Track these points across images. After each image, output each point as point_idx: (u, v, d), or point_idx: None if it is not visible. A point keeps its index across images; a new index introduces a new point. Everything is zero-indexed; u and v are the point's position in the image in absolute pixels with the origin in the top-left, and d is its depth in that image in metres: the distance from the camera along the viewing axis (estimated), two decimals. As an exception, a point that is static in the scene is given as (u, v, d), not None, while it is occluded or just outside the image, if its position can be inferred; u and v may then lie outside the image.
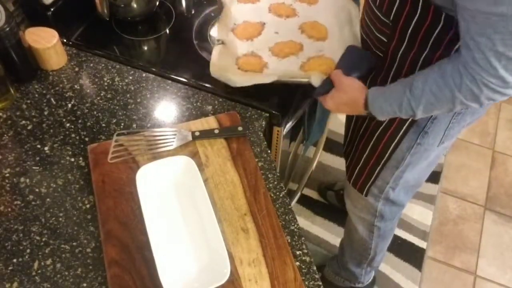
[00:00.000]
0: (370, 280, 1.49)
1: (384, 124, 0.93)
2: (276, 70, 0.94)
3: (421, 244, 1.69)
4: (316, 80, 0.88)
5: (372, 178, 1.05)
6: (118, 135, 0.84)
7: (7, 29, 0.84)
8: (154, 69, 1.02)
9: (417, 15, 0.74)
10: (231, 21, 1.04)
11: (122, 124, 0.90)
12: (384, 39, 0.82)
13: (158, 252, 0.68)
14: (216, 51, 0.97)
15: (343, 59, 0.88)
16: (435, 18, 0.72)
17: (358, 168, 1.07)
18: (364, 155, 1.03)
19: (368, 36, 0.87)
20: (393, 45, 0.81)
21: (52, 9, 1.02)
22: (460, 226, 1.77)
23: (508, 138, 2.04)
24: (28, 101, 0.93)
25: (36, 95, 0.94)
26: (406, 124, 0.89)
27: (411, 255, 1.65)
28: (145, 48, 1.11)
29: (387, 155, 0.97)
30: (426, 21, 0.73)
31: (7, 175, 0.82)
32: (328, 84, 0.85)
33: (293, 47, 0.98)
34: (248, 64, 0.95)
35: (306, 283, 0.72)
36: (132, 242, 0.72)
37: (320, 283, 0.72)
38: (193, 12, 1.20)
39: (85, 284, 0.70)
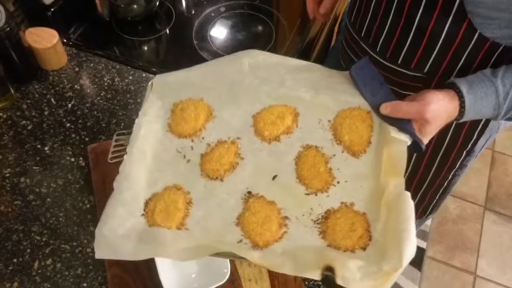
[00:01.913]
0: None
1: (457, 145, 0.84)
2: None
3: (421, 244, 1.69)
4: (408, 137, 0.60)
5: (432, 205, 1.03)
6: (118, 135, 0.84)
7: (7, 29, 0.84)
8: (154, 69, 1.02)
9: (464, 56, 0.67)
10: None
11: (122, 124, 0.90)
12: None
13: (158, 252, 0.68)
14: None
15: (369, 88, 0.64)
16: (488, 54, 0.66)
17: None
18: (424, 186, 0.97)
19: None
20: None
21: (52, 9, 1.02)
22: (460, 226, 1.77)
23: (508, 138, 2.04)
24: (28, 101, 0.93)
25: (36, 95, 0.94)
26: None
27: (411, 255, 1.65)
28: (145, 48, 1.11)
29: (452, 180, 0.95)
30: (476, 59, 0.67)
31: (7, 175, 0.82)
32: (408, 125, 0.60)
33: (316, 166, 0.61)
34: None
35: (306, 283, 0.72)
36: (132, 242, 0.72)
37: (320, 283, 0.72)
38: (193, 12, 1.20)
39: (85, 284, 0.70)
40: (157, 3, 1.15)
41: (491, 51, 0.65)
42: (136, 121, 0.65)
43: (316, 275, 0.51)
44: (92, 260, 0.72)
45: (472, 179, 1.90)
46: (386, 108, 0.61)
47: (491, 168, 1.94)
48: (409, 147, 0.60)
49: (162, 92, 0.68)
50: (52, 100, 0.94)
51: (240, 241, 0.56)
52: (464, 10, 0.61)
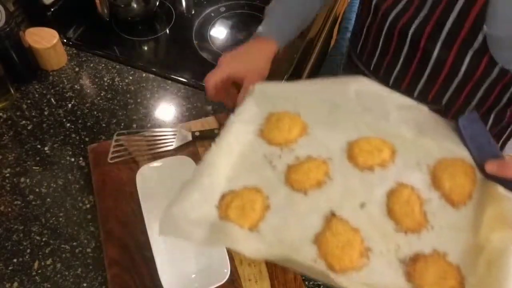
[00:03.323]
0: None
1: None
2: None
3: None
4: None
5: None
6: (118, 135, 0.84)
7: (7, 29, 0.84)
8: (154, 69, 1.02)
9: (483, 89, 0.66)
10: None
11: (122, 124, 0.90)
12: None
13: (158, 252, 0.68)
14: None
15: (476, 143, 0.61)
16: (508, 84, 0.64)
17: None
18: None
19: None
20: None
21: (52, 9, 1.02)
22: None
23: (508, 138, 2.04)
24: (28, 101, 0.93)
25: (36, 95, 0.94)
26: None
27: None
28: (145, 48, 1.11)
29: None
30: (495, 89, 0.66)
31: (8, 175, 0.82)
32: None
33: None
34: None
35: (306, 283, 0.72)
36: (132, 242, 0.72)
37: (320, 283, 0.72)
38: (193, 12, 1.20)
39: (85, 284, 0.70)
40: (157, 3, 1.15)
41: (511, 81, 0.64)
42: (230, 118, 0.64)
43: None
44: (92, 260, 0.72)
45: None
46: (493, 166, 0.57)
47: (491, 168, 1.94)
48: None
49: (261, 100, 0.67)
50: (52, 100, 0.94)
51: (315, 260, 0.53)
52: (485, 46, 0.58)
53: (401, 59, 0.69)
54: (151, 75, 1.00)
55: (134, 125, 0.90)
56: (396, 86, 0.73)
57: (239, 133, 0.64)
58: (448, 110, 0.71)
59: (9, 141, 0.86)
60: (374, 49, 0.73)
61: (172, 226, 0.54)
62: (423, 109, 0.66)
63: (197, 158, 0.82)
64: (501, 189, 0.56)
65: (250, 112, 0.66)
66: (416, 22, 0.64)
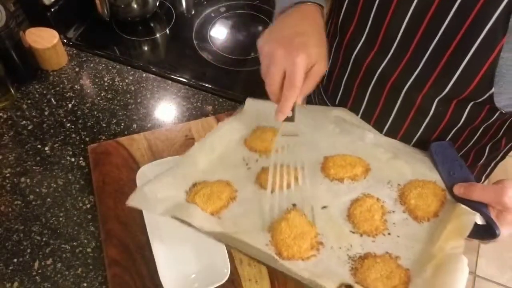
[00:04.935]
0: None
1: None
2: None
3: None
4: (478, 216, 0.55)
5: None
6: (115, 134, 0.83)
7: (8, 29, 0.84)
8: (154, 69, 1.02)
9: (480, 132, 0.67)
10: None
11: (122, 124, 0.90)
12: None
13: (158, 252, 0.68)
14: None
15: (447, 167, 0.63)
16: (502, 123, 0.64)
17: None
18: None
19: None
20: None
21: (52, 10, 1.02)
22: (460, 226, 1.78)
23: (508, 138, 2.04)
24: (29, 101, 0.93)
25: (37, 95, 0.94)
26: None
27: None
28: (145, 48, 1.11)
29: None
30: (491, 129, 0.66)
31: (8, 175, 0.82)
32: (484, 208, 0.56)
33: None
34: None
35: (306, 283, 0.72)
36: (132, 242, 0.72)
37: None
38: (193, 12, 1.20)
39: (85, 284, 0.70)
40: (157, 4, 1.16)
41: (505, 120, 0.63)
42: (220, 123, 0.70)
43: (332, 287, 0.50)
44: (92, 260, 0.73)
45: (472, 179, 1.90)
46: (460, 189, 0.58)
47: (491, 168, 1.95)
48: (481, 233, 0.55)
49: (252, 114, 0.73)
50: (52, 100, 0.94)
51: (265, 245, 0.56)
52: (490, 100, 0.56)
53: (394, 113, 0.69)
54: (151, 75, 1.00)
55: (134, 125, 0.90)
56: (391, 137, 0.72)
57: (225, 137, 0.69)
58: None
59: (9, 141, 0.87)
60: (358, 104, 0.73)
61: (140, 199, 0.59)
62: (403, 143, 0.70)
63: (197, 158, 0.82)
64: (464, 207, 0.57)
65: (239, 122, 0.71)
66: (411, 79, 0.61)
